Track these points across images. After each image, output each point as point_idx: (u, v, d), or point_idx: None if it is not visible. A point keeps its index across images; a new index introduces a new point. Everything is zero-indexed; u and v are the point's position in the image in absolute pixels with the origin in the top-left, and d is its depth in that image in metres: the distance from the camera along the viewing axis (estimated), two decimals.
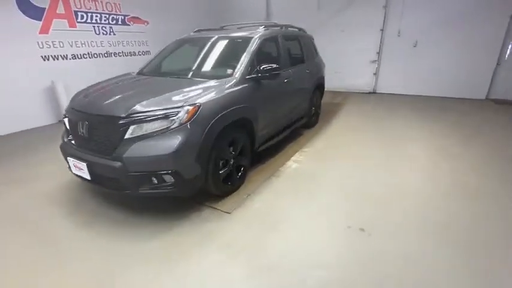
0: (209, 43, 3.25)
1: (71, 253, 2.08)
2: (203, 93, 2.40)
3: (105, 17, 6.17)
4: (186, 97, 2.29)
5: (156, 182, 2.17)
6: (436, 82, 7.09)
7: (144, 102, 2.20)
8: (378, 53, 7.47)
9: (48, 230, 2.34)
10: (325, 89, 5.39)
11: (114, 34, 6.40)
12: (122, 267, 1.94)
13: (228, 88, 2.61)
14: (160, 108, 2.16)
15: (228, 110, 2.49)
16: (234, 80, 2.72)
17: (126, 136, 2.11)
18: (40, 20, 5.11)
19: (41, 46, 5.18)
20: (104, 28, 6.18)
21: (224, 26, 4.35)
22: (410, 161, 3.49)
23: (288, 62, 3.75)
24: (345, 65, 7.97)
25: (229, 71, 2.84)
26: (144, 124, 2.12)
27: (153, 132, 2.12)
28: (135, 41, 6.85)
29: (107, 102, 2.33)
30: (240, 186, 2.92)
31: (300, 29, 4.63)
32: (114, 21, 6.36)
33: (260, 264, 1.93)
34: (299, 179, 3.12)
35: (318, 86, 4.88)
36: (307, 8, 7.93)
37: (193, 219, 2.42)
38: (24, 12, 4.89)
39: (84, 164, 2.25)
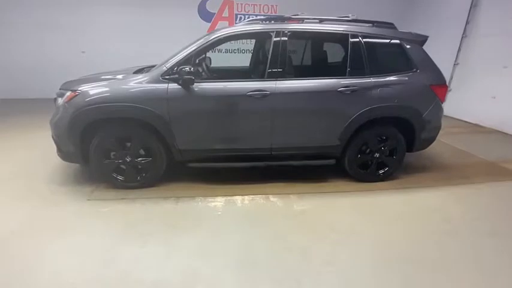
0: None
1: None
2: (100, 83, 2.54)
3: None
4: (84, 84, 2.56)
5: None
6: None
7: (65, 82, 2.76)
8: None
9: None
10: None
11: None
12: None
13: (131, 83, 2.50)
14: (64, 88, 2.63)
15: (110, 104, 2.43)
16: (145, 78, 2.52)
17: (57, 104, 2.82)
18: (209, 22, 6.89)
19: None
20: None
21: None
22: None
23: (280, 70, 2.60)
24: None
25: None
26: (59, 98, 2.70)
27: (59, 105, 2.65)
28: None
29: None
30: (141, 188, 2.75)
31: (377, 24, 2.85)
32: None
33: None
34: (179, 220, 2.36)
35: (393, 120, 2.87)
36: None
37: (58, 196, 2.60)
38: (201, 16, 6.84)
39: None
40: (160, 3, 6.60)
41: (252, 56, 4.12)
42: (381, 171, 3.08)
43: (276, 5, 6.94)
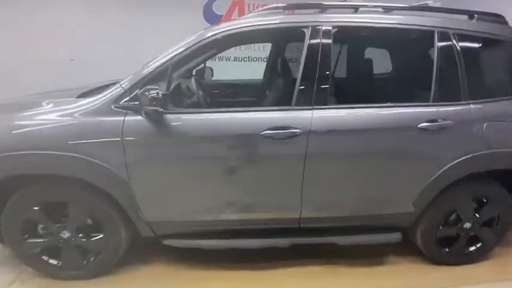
0: None
1: None
2: (13, 115, 1.53)
3: None
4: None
5: None
6: None
7: None
8: None
9: None
10: None
11: None
12: None
13: (61, 116, 1.47)
14: None
15: (23, 152, 1.40)
16: (88, 106, 1.48)
17: None
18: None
19: None
20: None
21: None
22: None
23: (319, 91, 1.52)
24: None
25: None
26: None
27: None
28: None
29: None
30: (88, 278, 1.71)
31: (480, 17, 1.73)
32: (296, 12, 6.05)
33: None
34: None
35: (502, 174, 1.74)
36: None
37: None
38: (206, 19, 5.90)
39: None
40: (162, 3, 5.72)
41: (267, 64, 3.04)
42: (472, 249, 1.93)
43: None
